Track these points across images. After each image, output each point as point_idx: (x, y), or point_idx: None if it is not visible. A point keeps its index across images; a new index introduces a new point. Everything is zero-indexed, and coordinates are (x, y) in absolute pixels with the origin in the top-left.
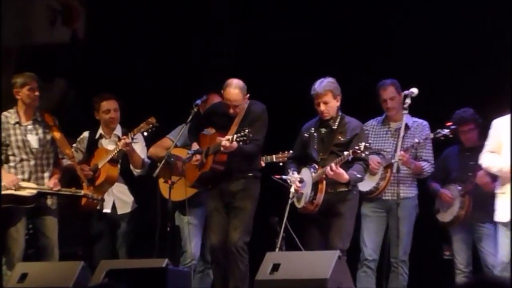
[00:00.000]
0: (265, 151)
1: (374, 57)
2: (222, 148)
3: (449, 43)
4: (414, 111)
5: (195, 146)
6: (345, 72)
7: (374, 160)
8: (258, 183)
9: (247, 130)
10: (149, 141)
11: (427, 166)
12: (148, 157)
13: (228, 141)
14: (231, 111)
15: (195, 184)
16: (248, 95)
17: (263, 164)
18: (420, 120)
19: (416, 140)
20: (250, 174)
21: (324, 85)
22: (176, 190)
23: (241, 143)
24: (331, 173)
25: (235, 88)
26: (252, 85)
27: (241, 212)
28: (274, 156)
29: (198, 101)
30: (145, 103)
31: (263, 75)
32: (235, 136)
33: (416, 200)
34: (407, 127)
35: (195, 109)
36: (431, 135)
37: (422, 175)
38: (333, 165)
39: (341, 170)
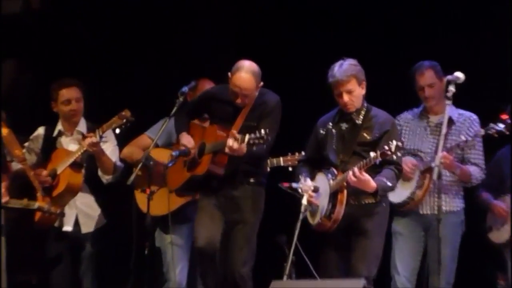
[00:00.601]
0: (271, 152)
1: (406, 34)
2: (227, 150)
3: (500, 17)
4: (460, 101)
5: (184, 139)
6: (367, 53)
7: (408, 163)
8: (263, 192)
9: (263, 131)
10: (122, 140)
11: (476, 172)
12: (121, 160)
13: (236, 141)
14: (239, 101)
15: (181, 189)
16: (262, 83)
17: (267, 168)
18: (468, 113)
19: (463, 138)
20: (252, 180)
21: (346, 69)
22: (156, 202)
23: (254, 147)
24: (354, 179)
25: (247, 72)
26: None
27: (245, 228)
28: (281, 158)
29: (185, 88)
30: (117, 92)
31: (266, 58)
32: (247, 137)
33: (462, 215)
34: (451, 121)
35: (181, 99)
36: (482, 132)
37: (470, 183)
38: (356, 169)
39: (366, 176)
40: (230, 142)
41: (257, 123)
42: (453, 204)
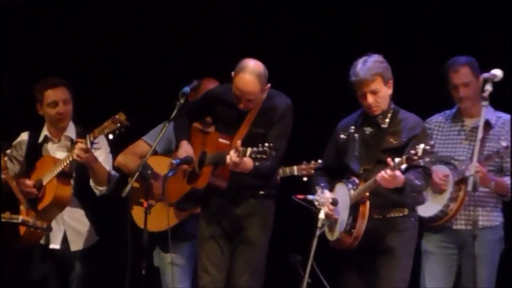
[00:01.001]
0: (283, 160)
1: (436, 25)
2: (228, 165)
3: None
4: (498, 102)
5: (182, 148)
6: (392, 47)
7: (439, 173)
8: (273, 205)
9: (266, 145)
10: (117, 147)
11: None
12: (115, 169)
13: (238, 155)
14: (241, 105)
15: (180, 202)
16: (269, 85)
17: (278, 178)
18: (507, 115)
19: (503, 144)
20: (262, 192)
21: (370, 66)
22: (154, 217)
23: (256, 162)
24: (387, 177)
25: (251, 74)
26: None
27: (252, 248)
28: (295, 167)
29: (187, 89)
30: (110, 92)
31: (276, 54)
32: (249, 150)
33: (501, 230)
34: (488, 125)
35: (182, 100)
36: None
37: (508, 197)
38: (384, 172)
39: (397, 172)
40: (232, 155)
41: (265, 130)
42: (490, 218)
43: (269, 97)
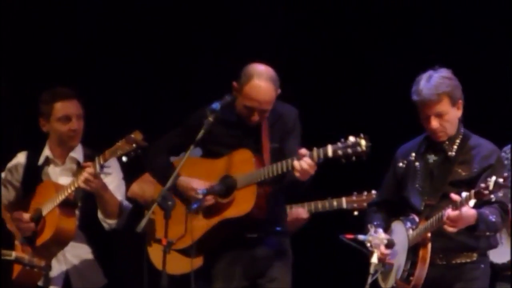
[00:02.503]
0: (328, 190)
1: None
2: (298, 174)
3: None
4: None
5: (193, 183)
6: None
7: None
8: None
9: (353, 139)
10: (130, 173)
11: None
12: (129, 199)
13: (310, 159)
14: (254, 119)
15: (195, 244)
16: (279, 90)
17: (303, 215)
18: None
19: None
20: (279, 229)
21: (435, 84)
22: (175, 257)
23: (343, 160)
24: (452, 216)
25: (266, 80)
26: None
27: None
28: (344, 199)
29: (216, 105)
30: (125, 108)
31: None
32: (330, 148)
33: None
34: None
35: (211, 119)
36: None
37: None
38: (450, 210)
39: (467, 209)
40: (305, 160)
41: (279, 144)
42: None
43: (275, 106)
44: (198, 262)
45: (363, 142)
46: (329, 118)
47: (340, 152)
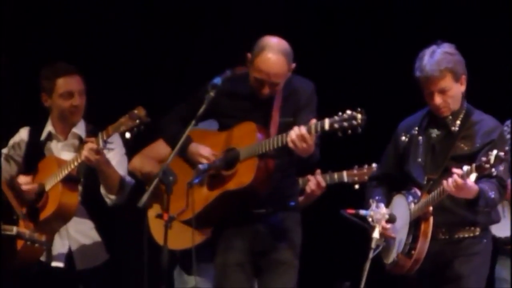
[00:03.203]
0: (326, 163)
1: None
2: (294, 140)
3: None
4: None
5: (201, 150)
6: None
7: None
8: (300, 218)
9: (349, 113)
10: (134, 149)
11: None
12: (130, 173)
13: (307, 131)
14: (265, 91)
15: (205, 213)
16: (294, 64)
17: (323, 183)
18: None
19: None
20: (293, 203)
21: (438, 60)
22: (177, 232)
23: (339, 133)
24: (455, 184)
25: (278, 52)
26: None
27: (287, 272)
28: (345, 173)
29: (217, 80)
30: (128, 84)
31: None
32: (327, 121)
33: None
34: None
35: (212, 93)
36: None
37: None
38: (456, 177)
39: (469, 181)
40: (300, 129)
41: (293, 117)
42: None
43: (290, 80)
44: (200, 237)
45: (359, 116)
46: (331, 93)
47: (336, 125)
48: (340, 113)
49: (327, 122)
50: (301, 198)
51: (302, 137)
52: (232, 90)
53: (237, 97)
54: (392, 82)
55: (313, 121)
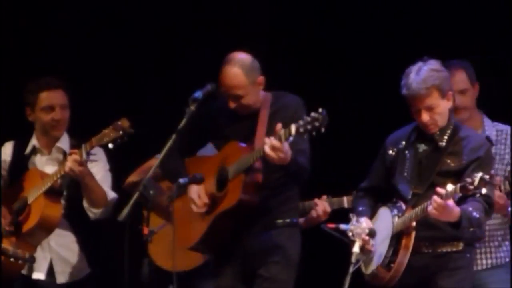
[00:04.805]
0: (331, 190)
1: None
2: (268, 151)
3: None
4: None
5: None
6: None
7: (503, 196)
8: (299, 235)
9: (314, 114)
10: (121, 161)
11: None
12: (125, 189)
13: (279, 138)
14: (231, 105)
15: (199, 243)
16: (262, 77)
17: (328, 209)
18: (505, 126)
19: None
20: (288, 220)
21: (424, 77)
22: (162, 247)
23: (305, 135)
24: (436, 207)
25: (234, 65)
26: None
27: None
28: (345, 198)
29: (198, 94)
30: (112, 97)
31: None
32: (293, 126)
33: None
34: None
35: (193, 108)
36: None
37: None
38: (437, 197)
39: (450, 202)
40: (271, 140)
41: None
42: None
43: (276, 98)
44: (193, 262)
45: (320, 117)
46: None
47: (301, 129)
48: (304, 117)
49: (293, 127)
50: (301, 220)
51: (274, 147)
52: (218, 110)
53: (223, 117)
54: (382, 100)
55: (281, 129)
